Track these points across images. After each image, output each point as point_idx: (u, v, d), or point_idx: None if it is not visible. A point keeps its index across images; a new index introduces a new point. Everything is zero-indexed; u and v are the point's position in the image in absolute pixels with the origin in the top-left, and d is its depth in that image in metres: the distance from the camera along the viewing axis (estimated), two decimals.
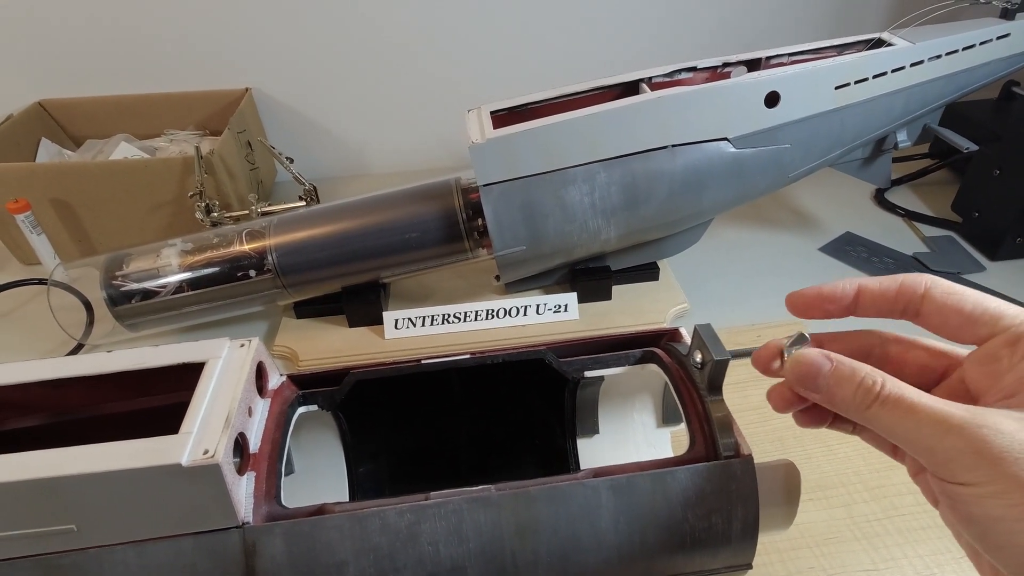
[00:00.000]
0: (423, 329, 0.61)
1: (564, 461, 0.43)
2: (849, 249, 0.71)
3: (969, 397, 0.24)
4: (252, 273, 0.56)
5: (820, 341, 0.27)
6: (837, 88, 0.55)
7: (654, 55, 0.86)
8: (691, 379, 0.33)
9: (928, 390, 0.23)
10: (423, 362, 0.36)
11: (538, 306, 0.61)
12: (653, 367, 0.36)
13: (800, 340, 0.26)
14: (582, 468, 0.42)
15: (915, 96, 0.59)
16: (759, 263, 0.70)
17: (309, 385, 0.36)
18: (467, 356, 0.37)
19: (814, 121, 0.56)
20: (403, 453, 0.43)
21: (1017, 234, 0.66)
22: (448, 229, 0.56)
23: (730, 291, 0.66)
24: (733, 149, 0.55)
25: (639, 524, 0.29)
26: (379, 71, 0.85)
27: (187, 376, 0.31)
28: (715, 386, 0.32)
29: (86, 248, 0.71)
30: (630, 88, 0.59)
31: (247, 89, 0.82)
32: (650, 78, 0.58)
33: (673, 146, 0.53)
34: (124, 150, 0.76)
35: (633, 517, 0.29)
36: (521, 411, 0.43)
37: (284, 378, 0.36)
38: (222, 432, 0.28)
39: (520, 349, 0.37)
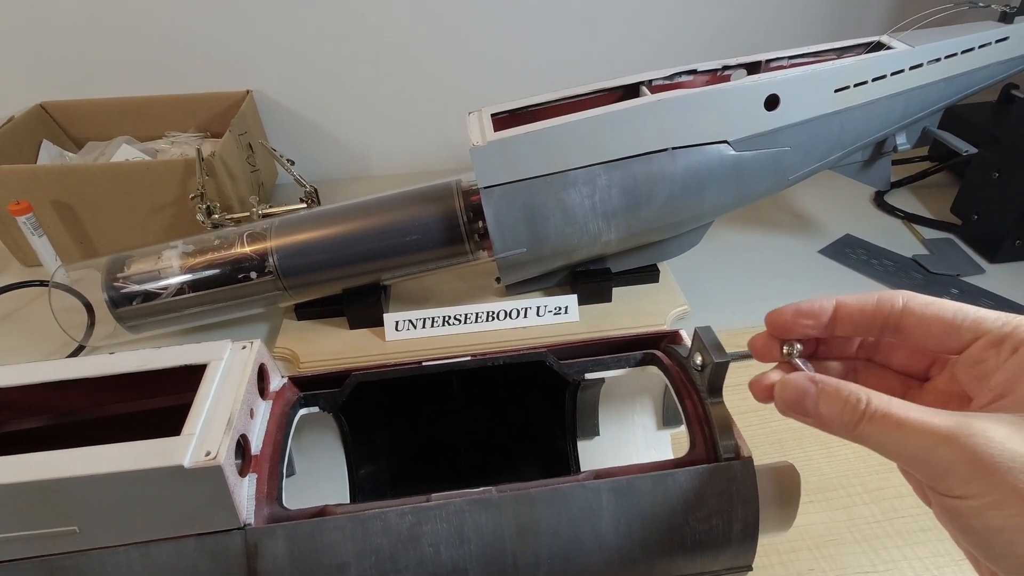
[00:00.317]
0: (424, 331, 0.61)
1: (564, 463, 0.43)
2: (849, 251, 0.71)
3: (964, 396, 0.24)
4: (253, 275, 0.56)
5: (835, 319, 0.26)
6: (837, 91, 0.55)
7: (654, 58, 0.86)
8: (691, 381, 0.33)
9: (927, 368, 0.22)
10: (424, 364, 0.36)
11: (538, 308, 0.61)
12: (653, 369, 0.36)
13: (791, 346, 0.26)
14: (582, 470, 0.42)
15: (914, 99, 0.59)
16: (759, 265, 0.70)
17: (310, 387, 0.36)
18: (468, 358, 0.37)
19: (814, 124, 0.56)
20: (404, 454, 0.43)
21: (1016, 236, 0.67)
22: (449, 231, 0.56)
23: (730, 293, 0.66)
24: (733, 152, 0.55)
25: (640, 526, 0.29)
26: (380, 73, 0.85)
27: (189, 378, 0.32)
28: (715, 388, 0.32)
29: (87, 250, 0.71)
30: (630, 91, 0.59)
31: (248, 91, 0.82)
32: (650, 81, 0.58)
33: (673, 148, 0.54)
34: (125, 152, 0.76)
35: (634, 519, 0.29)
36: (521, 413, 0.43)
37: (286, 380, 0.36)
38: (224, 434, 0.28)
39: (521, 351, 0.37)
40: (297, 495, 0.34)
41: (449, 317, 0.61)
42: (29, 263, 0.73)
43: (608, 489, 0.30)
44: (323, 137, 0.89)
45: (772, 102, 0.54)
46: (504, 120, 0.57)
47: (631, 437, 0.43)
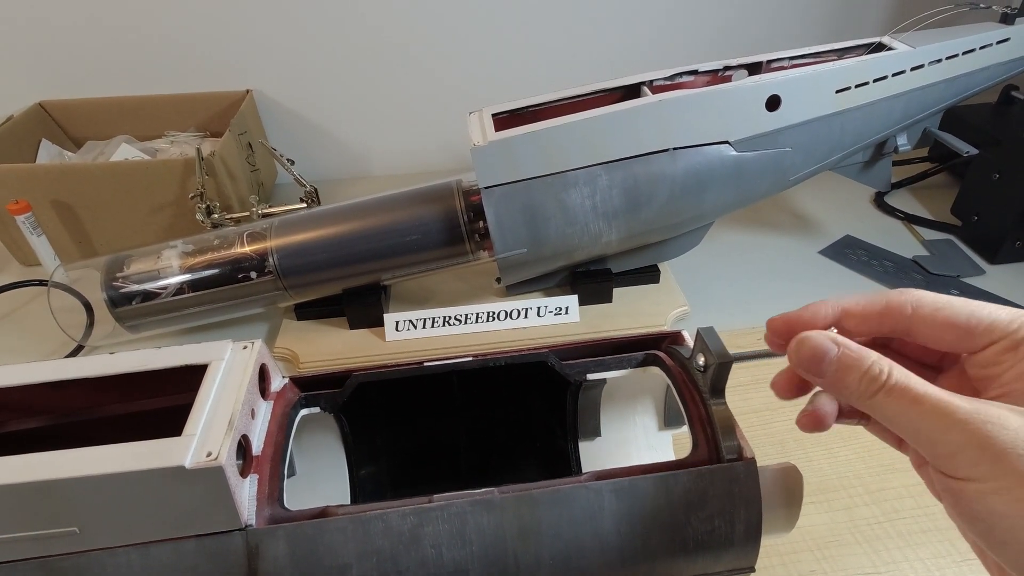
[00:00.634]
0: (424, 331, 0.61)
1: (565, 463, 0.43)
2: (849, 252, 0.71)
3: (973, 390, 0.24)
4: (253, 275, 0.56)
5: (845, 311, 0.26)
6: (838, 92, 0.55)
7: (655, 58, 0.86)
8: (693, 382, 0.33)
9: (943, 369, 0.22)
10: (425, 364, 0.36)
11: (539, 308, 0.61)
12: (655, 370, 0.36)
13: None
14: (584, 471, 0.42)
15: (915, 100, 0.59)
16: (759, 266, 0.70)
17: (311, 387, 0.36)
18: (470, 358, 0.37)
19: (815, 125, 0.56)
20: (404, 455, 0.43)
21: (1016, 238, 0.67)
22: (449, 231, 0.56)
23: (730, 294, 0.66)
24: (734, 152, 0.55)
25: (642, 527, 0.29)
26: (380, 73, 0.85)
27: (189, 378, 0.31)
28: (718, 389, 0.32)
29: (86, 249, 0.71)
30: (631, 91, 0.59)
31: (248, 91, 0.82)
32: (651, 81, 0.58)
33: (674, 149, 0.54)
34: (125, 151, 0.76)
35: (636, 520, 0.29)
36: (522, 413, 0.43)
37: (286, 380, 0.36)
38: (225, 434, 0.28)
39: (523, 351, 0.37)
40: (297, 496, 0.34)
41: (449, 317, 0.61)
42: (28, 262, 0.73)
43: (610, 490, 0.29)
44: (323, 137, 0.89)
45: (773, 103, 0.54)
46: (505, 120, 0.57)
47: (633, 438, 0.43)
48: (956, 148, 0.63)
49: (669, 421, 0.42)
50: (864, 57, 0.56)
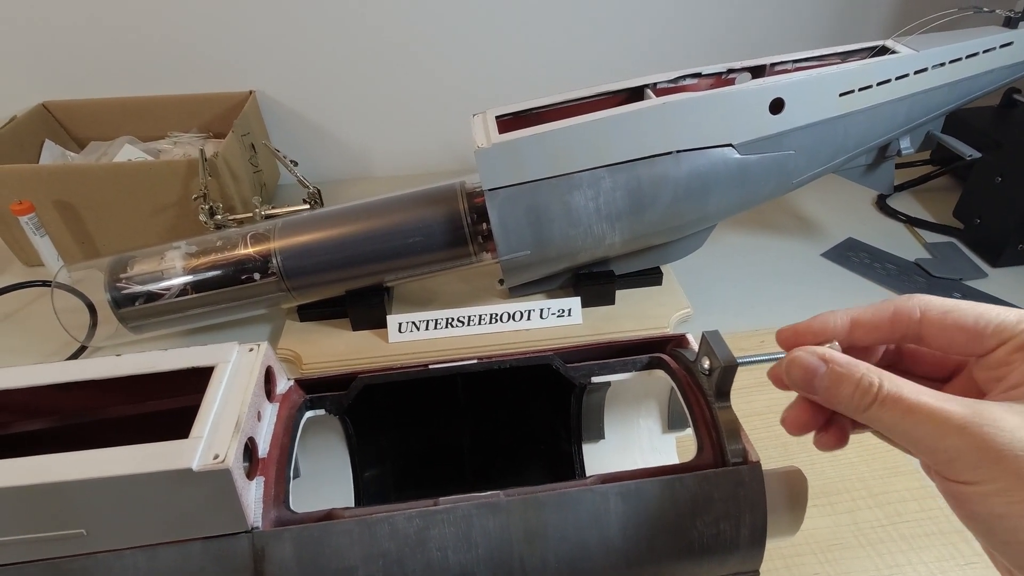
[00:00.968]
0: (427, 333, 0.61)
1: (569, 466, 0.43)
2: (851, 255, 0.71)
3: (979, 392, 0.24)
4: (257, 276, 0.56)
5: (855, 321, 0.26)
6: (841, 95, 0.55)
7: (659, 60, 0.86)
8: (698, 385, 0.33)
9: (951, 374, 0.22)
10: (431, 367, 0.36)
11: (542, 310, 0.61)
12: (660, 373, 0.36)
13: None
14: (588, 473, 0.42)
15: (918, 103, 0.59)
16: (762, 268, 0.70)
17: (316, 389, 0.36)
18: (474, 361, 0.37)
19: (818, 128, 0.56)
20: (407, 456, 0.43)
21: (1019, 241, 0.67)
22: (453, 233, 0.56)
23: (733, 296, 0.66)
24: (737, 155, 0.55)
25: (647, 530, 0.29)
26: (383, 74, 0.85)
27: (194, 380, 0.31)
28: (723, 392, 0.32)
29: (89, 250, 0.71)
30: (635, 94, 0.59)
31: (251, 92, 0.82)
32: (655, 84, 0.58)
33: (678, 152, 0.54)
34: (128, 152, 0.76)
35: (641, 523, 0.29)
36: (526, 415, 0.43)
37: (292, 382, 0.36)
38: (232, 437, 0.28)
39: (527, 354, 0.37)
40: (301, 497, 0.34)
41: (452, 319, 0.61)
42: (31, 263, 0.73)
43: (616, 493, 0.29)
44: (325, 138, 0.89)
45: (777, 106, 0.54)
46: (508, 122, 0.57)
47: (636, 440, 0.43)
48: (959, 152, 0.63)
49: (673, 424, 0.42)
50: (868, 60, 0.57)
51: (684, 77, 0.59)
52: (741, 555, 0.30)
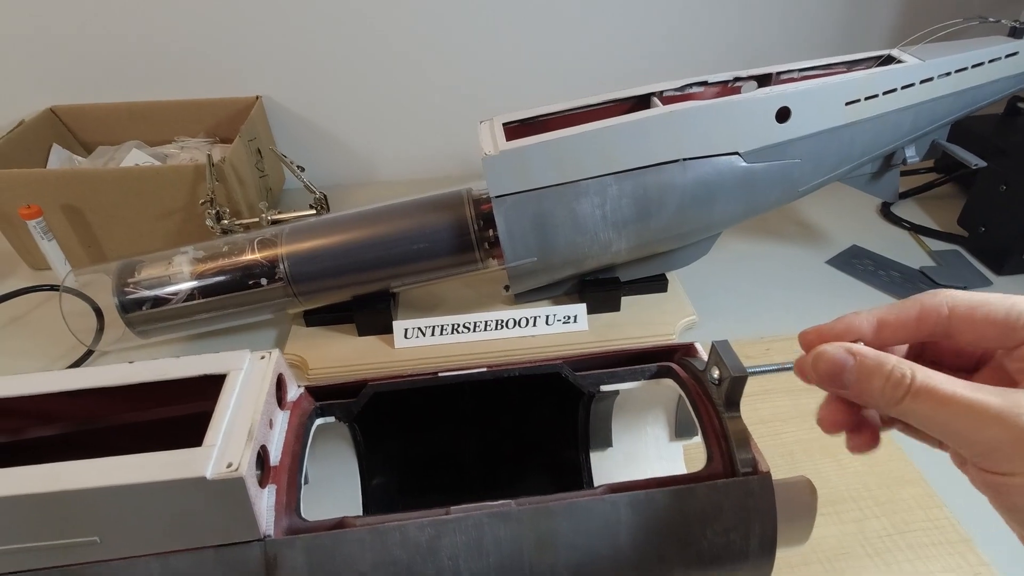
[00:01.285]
0: (433, 339, 0.61)
1: (576, 474, 0.43)
2: (856, 262, 0.71)
3: (1011, 382, 0.24)
4: (264, 281, 0.56)
5: (880, 321, 0.25)
6: (847, 104, 0.56)
7: (665, 69, 0.86)
8: (707, 395, 0.34)
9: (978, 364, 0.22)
10: (441, 375, 0.36)
11: (547, 317, 0.61)
12: (668, 382, 0.36)
13: None
14: (595, 481, 0.42)
15: (924, 112, 0.59)
16: (767, 275, 0.70)
17: (325, 397, 0.36)
18: (484, 369, 0.37)
19: (824, 136, 0.56)
20: (415, 464, 0.43)
21: (1023, 249, 0.67)
22: (460, 239, 0.56)
23: (738, 303, 0.66)
24: (744, 163, 0.55)
25: (657, 540, 0.29)
26: (389, 80, 0.85)
27: (206, 387, 0.32)
28: (732, 402, 0.32)
29: (96, 254, 0.71)
30: (641, 102, 0.59)
31: (257, 97, 0.82)
32: (661, 92, 0.59)
33: (684, 160, 0.54)
34: (135, 157, 0.77)
35: (651, 533, 0.29)
36: (533, 423, 0.43)
37: (302, 390, 0.36)
38: (245, 445, 0.28)
39: (536, 362, 0.37)
40: (310, 504, 0.34)
41: (458, 325, 0.61)
42: (38, 267, 0.73)
43: (627, 503, 0.30)
44: (331, 143, 0.90)
45: (783, 114, 0.54)
46: (515, 129, 0.58)
47: (644, 449, 0.43)
48: (965, 160, 0.63)
49: (680, 432, 0.42)
50: (874, 69, 0.57)
51: (690, 85, 0.60)
52: (751, 565, 0.30)
